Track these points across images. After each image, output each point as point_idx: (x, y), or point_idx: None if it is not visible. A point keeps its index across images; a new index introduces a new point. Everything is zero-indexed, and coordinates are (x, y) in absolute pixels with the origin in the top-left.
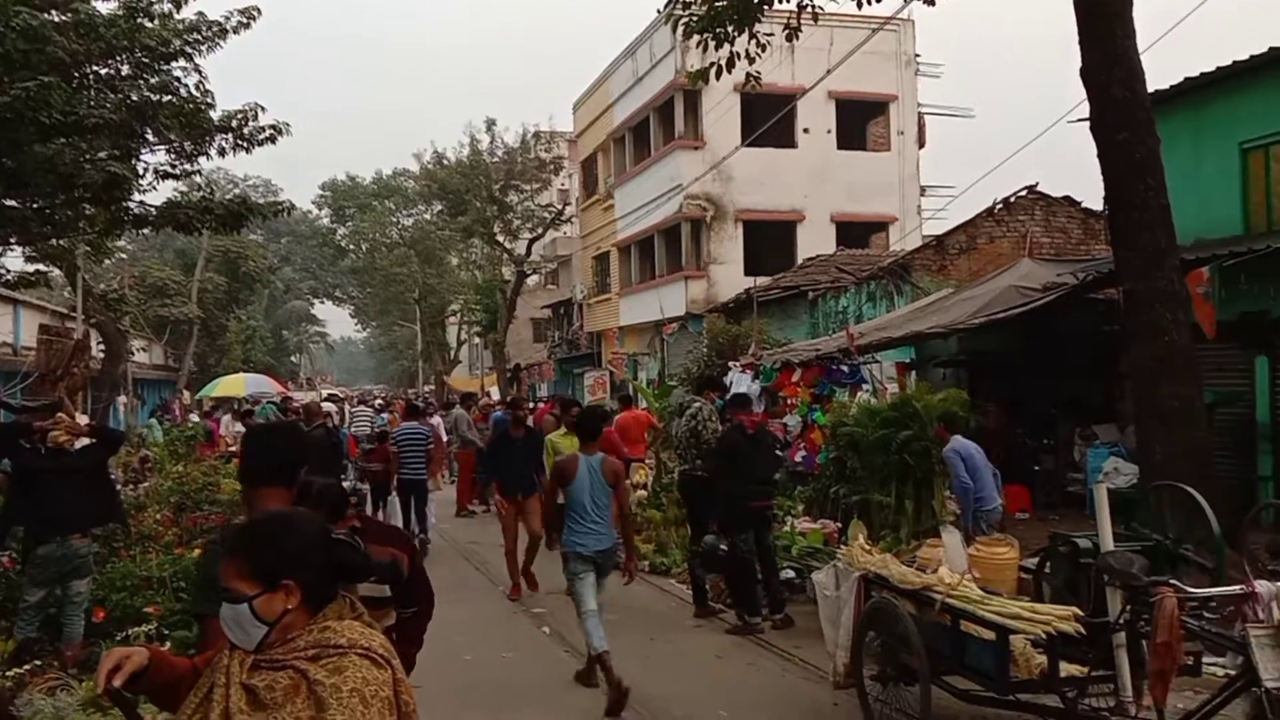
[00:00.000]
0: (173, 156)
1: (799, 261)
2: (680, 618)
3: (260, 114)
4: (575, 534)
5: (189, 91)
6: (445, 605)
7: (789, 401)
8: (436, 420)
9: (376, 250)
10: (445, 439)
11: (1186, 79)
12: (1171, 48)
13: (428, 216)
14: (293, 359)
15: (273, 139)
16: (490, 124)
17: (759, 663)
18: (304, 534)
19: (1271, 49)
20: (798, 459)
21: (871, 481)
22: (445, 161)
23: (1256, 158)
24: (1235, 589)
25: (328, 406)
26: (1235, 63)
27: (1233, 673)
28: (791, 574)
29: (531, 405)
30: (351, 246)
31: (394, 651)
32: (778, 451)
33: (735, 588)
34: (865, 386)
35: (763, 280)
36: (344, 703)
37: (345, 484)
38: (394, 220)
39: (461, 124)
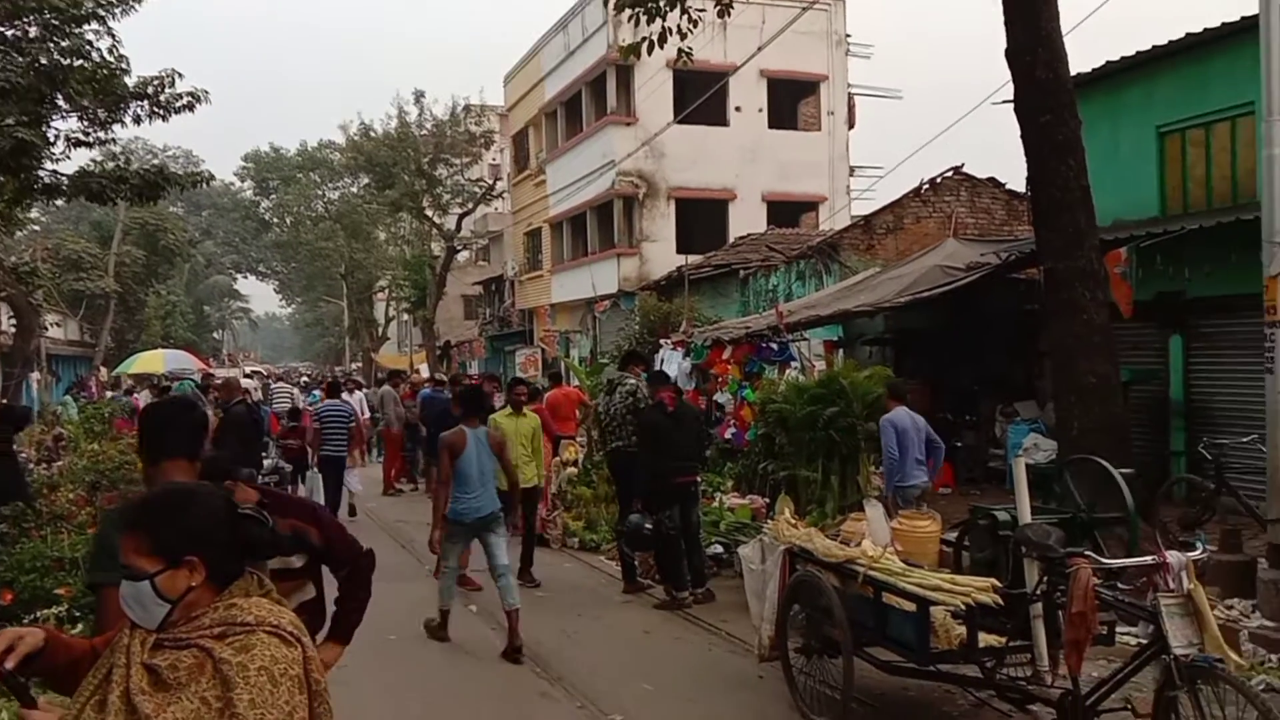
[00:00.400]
0: (85, 123)
1: (730, 240)
2: (609, 594)
3: (178, 80)
4: (460, 502)
5: (102, 56)
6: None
7: (720, 379)
8: (359, 396)
9: (301, 224)
10: (366, 416)
11: (1107, 63)
12: (1092, 32)
13: (354, 190)
14: (215, 335)
15: (190, 107)
16: (419, 96)
17: (686, 637)
18: (208, 508)
19: (1188, 34)
20: (728, 436)
21: (799, 457)
22: (372, 134)
23: (1173, 141)
24: (1147, 560)
25: (247, 383)
26: (1153, 48)
27: (1144, 641)
28: (720, 549)
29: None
30: (275, 220)
31: (304, 629)
32: (708, 429)
33: (662, 563)
34: (794, 364)
35: (695, 258)
36: (251, 681)
37: (267, 461)
38: (319, 193)
39: (389, 95)
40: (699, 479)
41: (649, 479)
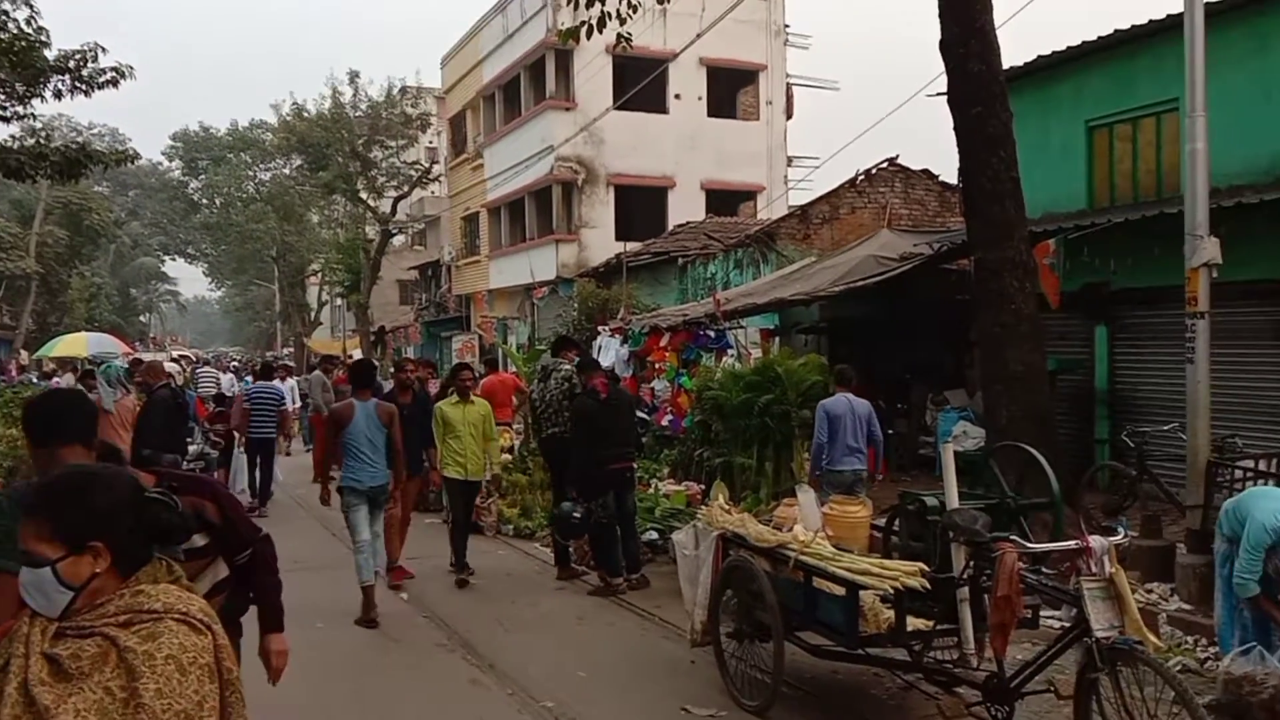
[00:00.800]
0: (3, 97)
1: (669, 228)
2: (543, 581)
3: (101, 55)
4: (352, 470)
5: (19, 27)
6: (298, 573)
7: (657, 366)
8: (291, 384)
9: (231, 205)
10: (298, 405)
11: (1038, 57)
12: (1026, 26)
13: (286, 171)
14: (142, 319)
15: (114, 82)
16: (353, 76)
17: (619, 623)
18: (113, 492)
19: (1117, 31)
20: (665, 422)
21: (734, 444)
22: (305, 114)
23: (1101, 135)
24: (1070, 544)
25: (171, 367)
26: (1083, 43)
27: (1067, 624)
28: (654, 535)
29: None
30: (205, 201)
31: (215, 616)
32: (643, 415)
33: (596, 550)
34: (731, 351)
35: (633, 245)
36: (158, 671)
37: (192, 447)
38: (250, 174)
39: (323, 75)
40: (634, 465)
41: (582, 466)
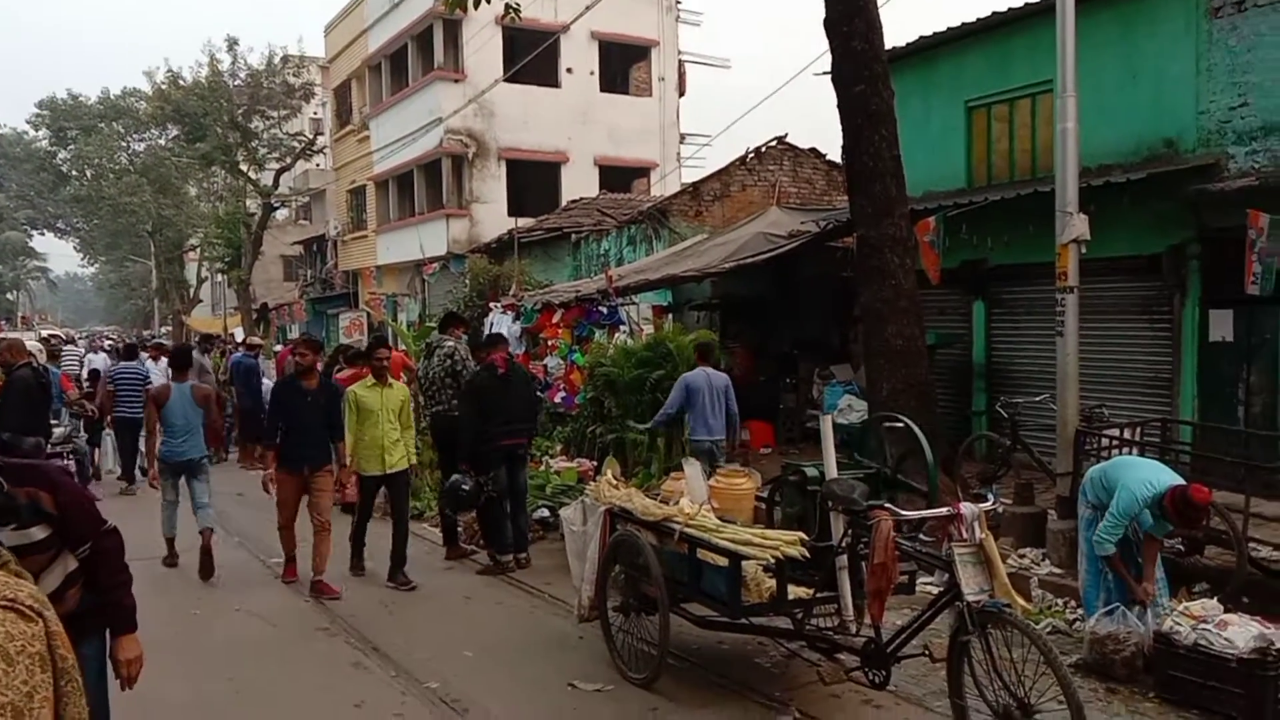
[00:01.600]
0: None
1: (563, 203)
2: (431, 561)
3: None
4: (166, 446)
5: None
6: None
7: (550, 343)
8: (165, 364)
9: (103, 177)
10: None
11: (920, 37)
12: (908, 5)
13: (162, 142)
14: (9, 297)
15: None
16: (232, 43)
17: (508, 601)
18: None
19: (994, 13)
20: (558, 399)
21: (627, 420)
22: (181, 82)
23: (979, 115)
24: (942, 511)
25: (33, 346)
26: (963, 24)
27: (941, 589)
28: (546, 512)
29: (276, 348)
30: (75, 172)
31: (47, 602)
32: (538, 393)
33: (485, 527)
34: (623, 328)
35: (526, 221)
36: None
37: (58, 430)
38: (123, 145)
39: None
40: (527, 442)
41: (472, 440)
